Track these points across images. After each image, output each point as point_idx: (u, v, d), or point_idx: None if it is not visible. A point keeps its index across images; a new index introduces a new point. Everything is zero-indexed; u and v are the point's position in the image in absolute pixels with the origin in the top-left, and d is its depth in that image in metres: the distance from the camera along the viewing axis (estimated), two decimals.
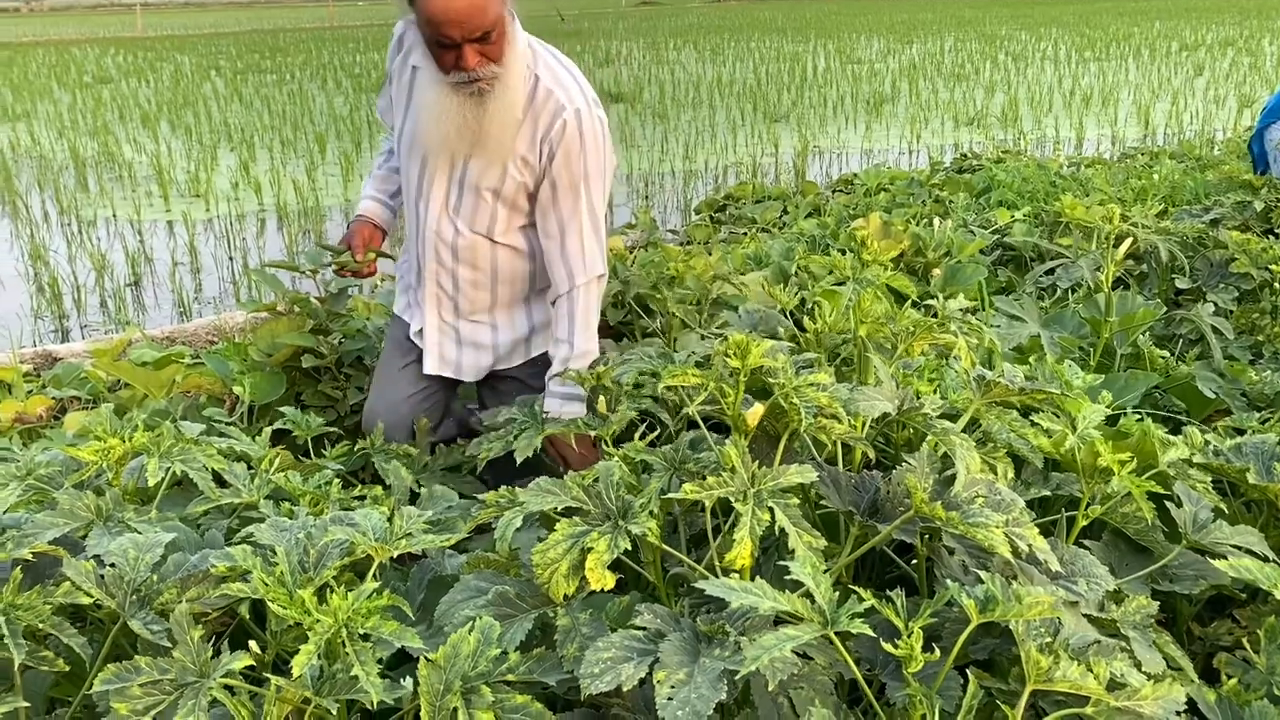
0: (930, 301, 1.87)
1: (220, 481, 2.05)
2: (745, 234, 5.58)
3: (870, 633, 1.09)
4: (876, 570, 1.73)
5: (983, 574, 1.14)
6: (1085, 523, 1.62)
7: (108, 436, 1.99)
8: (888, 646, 1.11)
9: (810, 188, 7.13)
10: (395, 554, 1.61)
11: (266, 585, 1.46)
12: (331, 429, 2.53)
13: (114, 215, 8.08)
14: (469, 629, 1.42)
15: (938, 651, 1.10)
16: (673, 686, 1.18)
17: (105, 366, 2.96)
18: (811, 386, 1.38)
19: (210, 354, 3.16)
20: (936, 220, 3.76)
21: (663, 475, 1.46)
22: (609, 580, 1.34)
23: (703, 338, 2.09)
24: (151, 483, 1.91)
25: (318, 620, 1.38)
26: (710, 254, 3.66)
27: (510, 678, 1.36)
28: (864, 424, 1.59)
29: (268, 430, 2.40)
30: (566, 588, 1.37)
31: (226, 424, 2.43)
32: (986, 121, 11.63)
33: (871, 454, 1.46)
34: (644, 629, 1.30)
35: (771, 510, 1.25)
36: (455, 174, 2.28)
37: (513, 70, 2.14)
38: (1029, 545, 1.28)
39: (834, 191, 7.02)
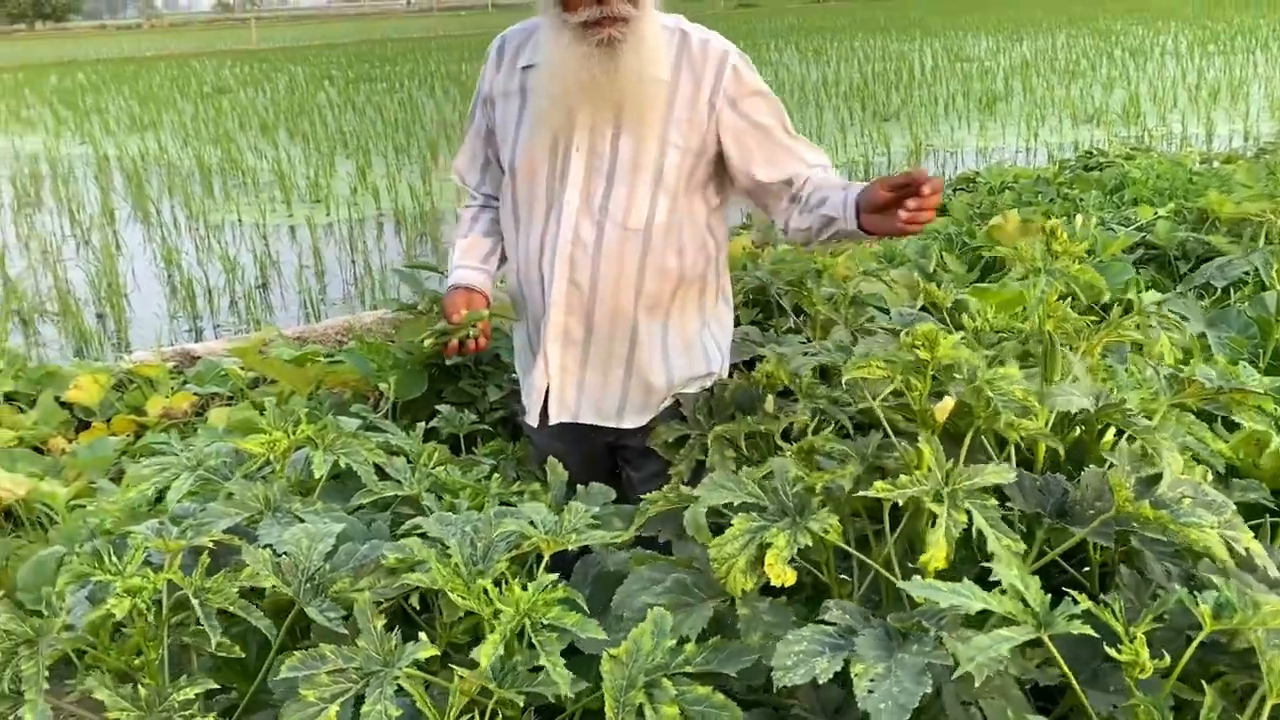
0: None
1: (381, 474, 2.08)
2: None
3: (1093, 633, 1.04)
4: (1043, 578, 1.66)
5: (1215, 579, 1.08)
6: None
7: (273, 429, 2.04)
8: (1111, 651, 1.05)
9: None
10: (567, 548, 1.61)
11: (444, 576, 1.46)
12: (482, 425, 2.55)
13: (240, 220, 8.37)
14: (648, 623, 1.40)
15: (1166, 658, 1.04)
16: (872, 680, 1.15)
17: (252, 362, 3.04)
18: (1005, 379, 1.32)
19: (348, 352, 3.22)
20: (1079, 218, 3.64)
21: (848, 472, 1.42)
22: (789, 576, 1.31)
23: (852, 336, 2.04)
24: (317, 475, 1.94)
25: (499, 610, 1.38)
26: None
27: (688, 669, 1.34)
28: (1046, 422, 1.53)
29: (421, 426, 2.44)
30: (745, 583, 1.35)
31: (377, 420, 2.48)
32: (1107, 118, 11.25)
33: (1062, 452, 1.40)
34: (834, 624, 1.27)
35: (969, 512, 1.21)
36: (598, 161, 1.96)
37: (649, 18, 1.87)
38: (1245, 548, 1.21)
39: (955, 190, 6.85)
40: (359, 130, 12.85)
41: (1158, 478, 1.31)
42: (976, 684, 1.15)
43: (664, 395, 2.09)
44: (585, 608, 1.49)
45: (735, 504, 1.40)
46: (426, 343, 2.17)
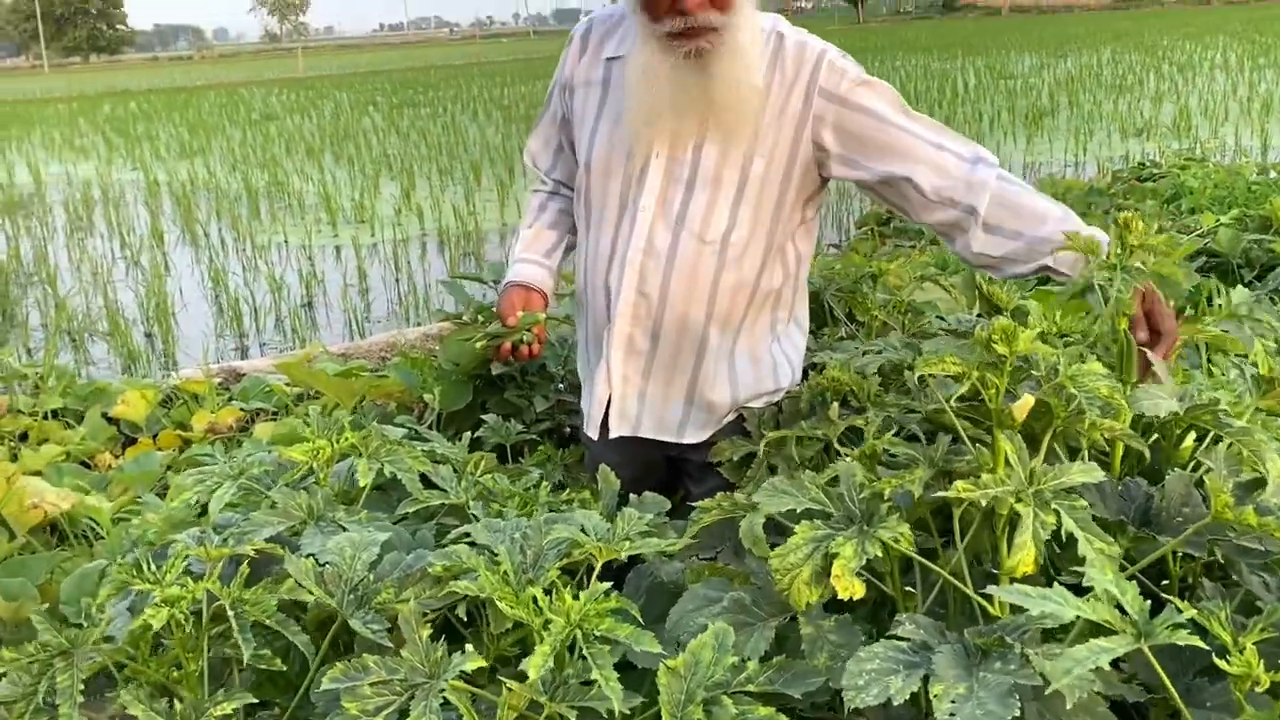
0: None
1: (427, 483, 2.03)
2: (913, 246, 5.38)
3: (1200, 644, 0.95)
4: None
5: None
6: None
7: (317, 437, 1.99)
8: (1221, 663, 0.96)
9: None
10: (621, 556, 1.54)
11: (492, 583, 1.40)
12: (529, 435, 2.50)
13: (286, 241, 8.43)
14: (708, 635, 1.33)
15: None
16: (953, 701, 1.07)
17: (297, 376, 3.01)
18: (1090, 376, 1.24)
19: (393, 366, 3.19)
20: (1138, 223, 3.51)
21: (917, 476, 1.34)
22: (858, 588, 1.23)
23: (907, 342, 1.95)
24: (362, 483, 1.89)
25: (550, 620, 1.32)
26: None
27: (750, 688, 1.26)
28: (1127, 424, 1.44)
29: (467, 435, 2.39)
30: (809, 595, 1.27)
31: (422, 430, 2.43)
32: (1158, 132, 11.05)
33: (1147, 455, 1.31)
34: (907, 639, 1.19)
35: (1057, 513, 1.12)
36: (679, 168, 1.85)
37: (745, 24, 1.74)
38: None
39: None
40: (403, 153, 12.96)
41: (1258, 483, 1.21)
42: (1069, 704, 1.06)
43: (728, 410, 1.98)
44: (639, 619, 1.42)
45: (798, 511, 1.33)
46: (478, 345, 2.10)
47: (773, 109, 1.83)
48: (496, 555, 1.48)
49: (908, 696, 1.11)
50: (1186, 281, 3.19)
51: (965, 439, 1.31)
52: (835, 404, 1.75)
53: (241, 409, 3.66)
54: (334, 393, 2.83)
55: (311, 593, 1.55)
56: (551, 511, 1.85)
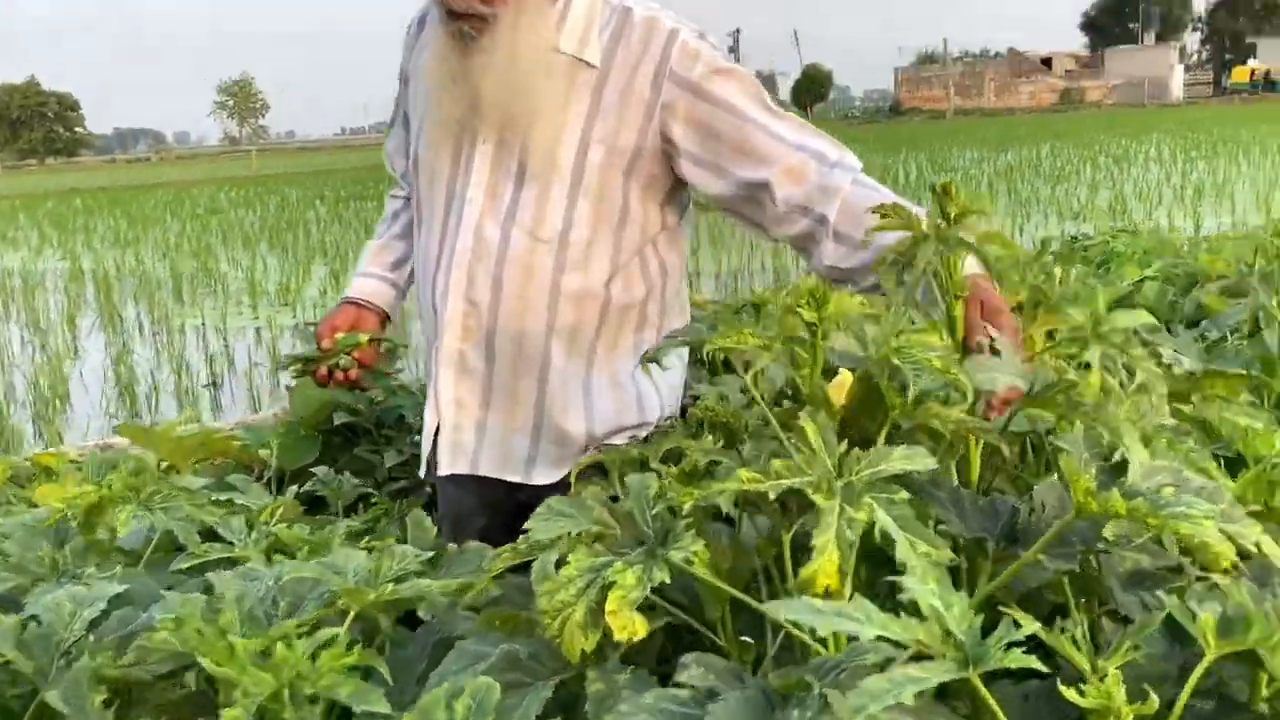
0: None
1: (215, 537, 1.73)
2: None
3: (1040, 666, 0.68)
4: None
5: (1223, 583, 0.73)
6: None
7: (80, 484, 1.70)
8: (1069, 693, 0.69)
9: None
10: (384, 601, 1.25)
11: (202, 636, 1.11)
12: (369, 491, 2.21)
13: (203, 323, 8.12)
14: (452, 692, 1.04)
15: (1153, 700, 0.68)
16: None
17: (132, 436, 2.72)
18: (918, 347, 0.99)
19: (250, 427, 2.90)
20: (1057, 270, 3.34)
21: (728, 486, 1.07)
22: (639, 627, 0.95)
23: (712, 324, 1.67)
24: (121, 532, 1.60)
25: (257, 679, 1.03)
26: None
27: None
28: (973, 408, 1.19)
29: (291, 489, 2.10)
30: (584, 641, 0.99)
31: (241, 485, 2.13)
32: (1094, 214, 11.13)
33: (1007, 452, 1.06)
34: (689, 687, 0.91)
35: (873, 510, 0.86)
36: (508, 158, 1.63)
37: (527, 7, 1.54)
38: (1255, 545, 0.86)
39: None
40: (341, 240, 12.75)
41: (1123, 467, 0.97)
42: None
43: (584, 445, 1.69)
44: (387, 676, 1.13)
45: (573, 534, 1.06)
46: (289, 370, 1.83)
47: (614, 89, 1.60)
48: (219, 604, 1.19)
49: None
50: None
51: (780, 432, 1.05)
52: (709, 436, 1.47)
53: (98, 482, 3.35)
54: (168, 454, 2.53)
55: (3, 655, 1.24)
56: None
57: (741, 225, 1.68)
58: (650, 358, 1.23)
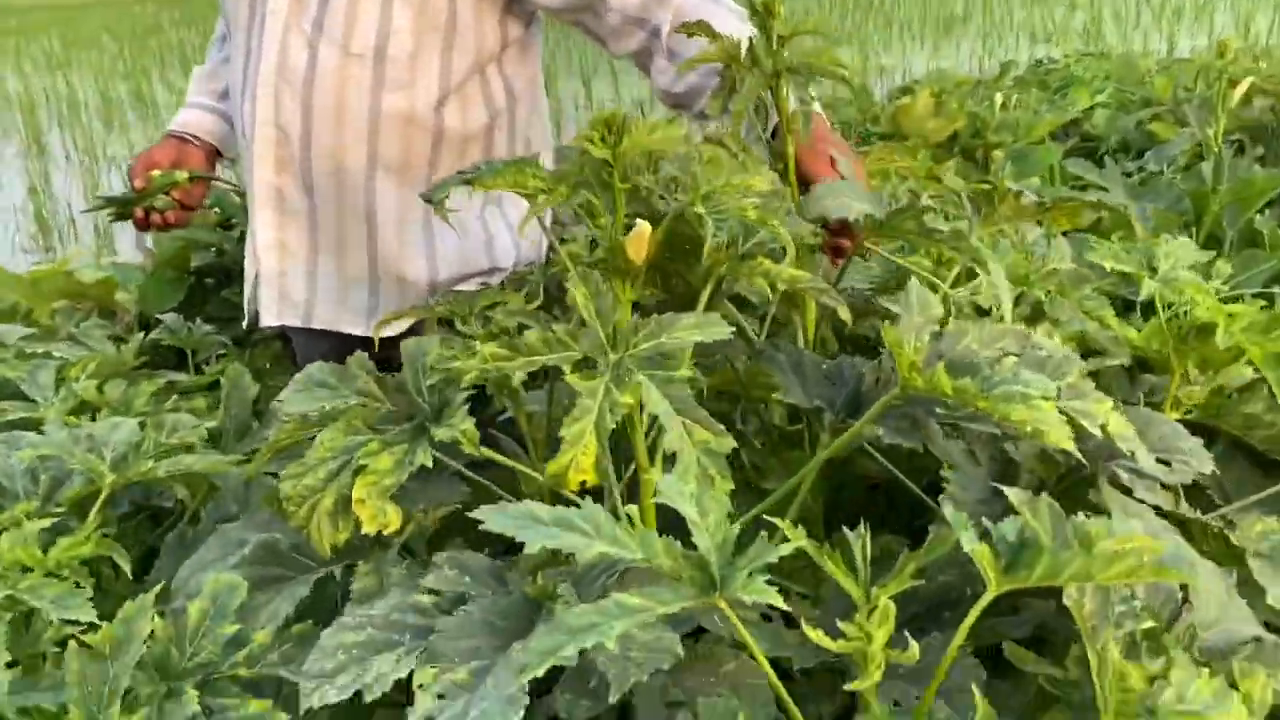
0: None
1: (19, 395, 1.57)
2: None
3: (779, 602, 0.54)
4: (889, 521, 1.16)
5: (1012, 495, 0.59)
6: (1179, 416, 1.08)
7: None
8: (813, 635, 0.55)
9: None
10: (150, 478, 1.10)
11: None
12: (222, 340, 2.03)
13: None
14: (189, 592, 0.90)
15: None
16: (440, 696, 0.65)
17: None
18: (736, 190, 0.81)
19: (125, 265, 2.70)
20: (998, 96, 3.13)
21: (521, 358, 0.91)
22: (391, 519, 0.81)
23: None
24: None
25: None
26: None
27: (244, 672, 0.84)
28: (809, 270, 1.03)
29: (137, 337, 1.93)
30: (334, 534, 0.85)
31: (80, 335, 1.95)
32: (1067, 37, 10.69)
33: (847, 316, 0.90)
34: (436, 593, 0.77)
35: (642, 389, 0.70)
36: None
37: None
38: (1101, 427, 0.71)
39: (891, 99, 6.33)
40: None
41: (960, 333, 0.81)
42: (613, 694, 0.66)
43: (426, 291, 1.53)
44: (128, 569, 0.99)
45: (327, 410, 0.90)
46: (105, 213, 1.64)
47: None
48: None
49: (390, 687, 0.70)
50: (1041, 161, 2.76)
51: (580, 297, 0.88)
52: (522, 294, 1.31)
53: None
54: (25, 296, 2.33)
55: None
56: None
57: (589, 39, 1.46)
58: (426, 197, 1.04)
